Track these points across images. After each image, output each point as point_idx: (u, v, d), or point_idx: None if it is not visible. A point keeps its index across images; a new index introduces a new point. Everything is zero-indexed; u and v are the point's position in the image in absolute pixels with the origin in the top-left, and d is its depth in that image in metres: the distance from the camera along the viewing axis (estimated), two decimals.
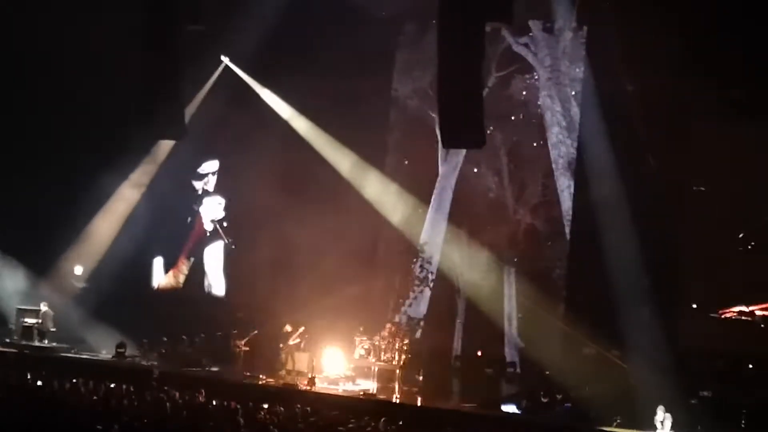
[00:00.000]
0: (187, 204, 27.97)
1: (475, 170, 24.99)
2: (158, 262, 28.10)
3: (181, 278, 28.02)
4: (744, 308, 20.96)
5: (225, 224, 27.52)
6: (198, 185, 27.94)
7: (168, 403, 16.06)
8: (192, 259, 27.93)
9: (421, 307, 25.24)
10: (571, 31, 23.86)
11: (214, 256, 27.71)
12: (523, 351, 23.83)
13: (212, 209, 27.78)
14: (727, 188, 21.44)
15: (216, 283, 27.58)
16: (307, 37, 24.74)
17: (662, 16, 20.71)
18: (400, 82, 25.75)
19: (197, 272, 27.84)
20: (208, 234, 27.82)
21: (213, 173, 27.82)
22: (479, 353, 24.34)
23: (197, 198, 27.99)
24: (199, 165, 27.83)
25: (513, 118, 24.73)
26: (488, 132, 20.75)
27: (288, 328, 23.43)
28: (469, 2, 17.44)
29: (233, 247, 27.21)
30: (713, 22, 20.30)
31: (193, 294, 27.58)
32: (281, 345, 23.36)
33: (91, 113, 25.58)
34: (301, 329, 23.33)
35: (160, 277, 28.14)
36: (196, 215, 27.98)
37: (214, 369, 23.83)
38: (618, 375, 20.91)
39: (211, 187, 27.80)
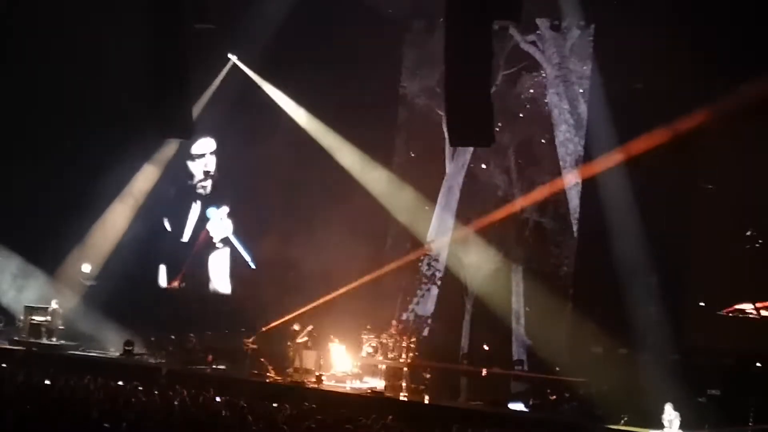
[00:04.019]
0: (189, 202, 27.92)
1: (483, 168, 24.98)
2: (164, 270, 28.06)
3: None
4: (750, 306, 20.95)
5: (237, 235, 27.42)
6: (195, 167, 27.81)
7: (176, 401, 16.08)
8: (199, 262, 27.90)
9: (429, 305, 25.25)
10: (579, 28, 23.86)
11: (220, 262, 27.67)
12: (530, 349, 23.82)
13: (219, 227, 27.65)
14: (735, 186, 21.43)
15: (222, 284, 27.57)
16: (314, 35, 24.73)
17: (670, 13, 20.70)
18: (407, 80, 25.77)
19: (203, 275, 27.81)
20: (217, 246, 27.75)
21: (211, 153, 27.73)
22: (485, 347, 24.35)
23: (198, 183, 27.83)
24: (202, 156, 27.79)
25: (521, 116, 24.73)
26: (496, 130, 20.76)
27: (296, 326, 23.43)
28: (476, 0, 17.45)
29: (254, 267, 27.11)
30: (720, 20, 20.29)
31: (201, 292, 27.59)
32: (289, 343, 23.37)
33: (99, 112, 25.65)
34: (309, 328, 23.34)
35: (167, 283, 28.10)
36: (197, 210, 27.90)
37: (222, 367, 23.84)
38: (625, 373, 20.88)
39: (212, 168, 27.67)
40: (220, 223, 27.66)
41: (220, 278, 27.64)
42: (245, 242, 27.27)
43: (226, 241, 27.58)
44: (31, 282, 26.45)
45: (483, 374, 22.70)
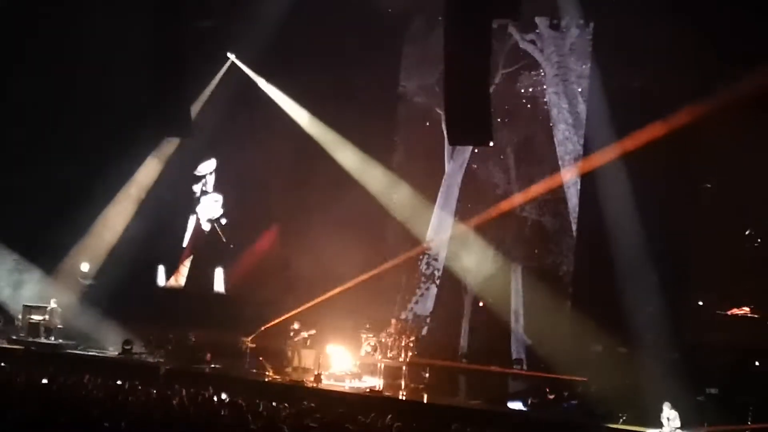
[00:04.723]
0: (186, 207, 27.89)
1: (482, 167, 24.98)
2: (160, 270, 28.00)
3: (182, 280, 27.94)
4: (751, 308, 20.99)
5: (223, 221, 27.41)
6: (196, 188, 27.85)
7: (175, 400, 16.08)
8: (192, 258, 27.83)
9: (428, 304, 25.25)
10: (578, 27, 23.85)
11: (215, 254, 27.64)
12: (529, 348, 23.82)
13: (209, 208, 27.65)
14: (734, 185, 21.44)
15: (219, 280, 27.54)
16: (313, 33, 24.69)
17: (669, 12, 20.70)
18: (406, 78, 25.74)
19: (200, 270, 27.78)
20: (206, 233, 27.72)
21: (210, 173, 27.74)
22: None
23: (196, 200, 27.85)
24: (198, 166, 27.76)
25: (519, 115, 24.72)
26: (496, 126, 20.77)
27: (295, 325, 23.41)
28: None
29: (231, 246, 27.11)
30: (720, 19, 20.29)
31: (200, 291, 27.54)
32: (288, 342, 23.36)
33: (98, 110, 25.63)
34: (312, 332, 23.25)
35: (163, 282, 28.04)
36: (195, 217, 27.87)
37: (221, 366, 23.80)
38: (625, 372, 20.90)
39: (209, 188, 27.66)
40: (212, 205, 27.62)
41: (218, 277, 27.60)
42: (243, 239, 27.25)
43: (213, 229, 27.52)
44: (29, 280, 26.43)
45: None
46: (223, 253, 27.38)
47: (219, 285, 27.50)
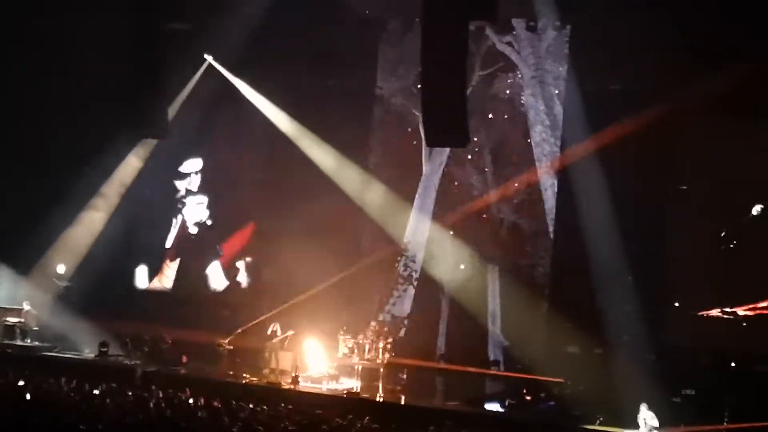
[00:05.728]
0: (169, 205, 27.78)
1: (459, 168, 25.01)
2: (142, 271, 27.82)
3: (167, 282, 27.79)
4: (726, 309, 21.08)
5: (209, 223, 27.33)
6: (180, 185, 27.71)
7: (151, 403, 16.03)
8: (178, 260, 27.71)
9: (405, 306, 25.23)
10: (555, 29, 23.90)
11: (199, 257, 27.53)
12: (507, 349, 23.86)
13: (195, 211, 27.55)
14: (709, 186, 21.57)
15: (206, 282, 27.42)
16: (290, 35, 24.68)
17: (646, 14, 20.80)
18: (383, 80, 25.72)
19: (189, 272, 27.65)
20: (193, 237, 27.61)
21: (196, 172, 27.63)
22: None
23: (180, 199, 27.75)
24: (181, 164, 27.64)
25: (496, 116, 24.75)
26: (472, 130, 20.77)
27: (273, 327, 23.36)
28: (452, 0, 17.47)
29: (221, 253, 27.03)
30: (697, 20, 20.41)
31: (187, 293, 27.39)
32: (265, 344, 23.32)
33: (74, 112, 25.52)
34: (290, 332, 23.22)
35: (144, 284, 27.86)
36: (181, 218, 27.75)
37: (197, 368, 23.72)
38: (601, 373, 20.97)
39: (194, 187, 27.56)
40: (196, 207, 27.52)
41: (215, 275, 27.44)
42: (220, 240, 27.18)
43: (201, 234, 27.42)
44: (1, 281, 26.26)
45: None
46: (213, 254, 27.28)
47: (217, 283, 27.25)
